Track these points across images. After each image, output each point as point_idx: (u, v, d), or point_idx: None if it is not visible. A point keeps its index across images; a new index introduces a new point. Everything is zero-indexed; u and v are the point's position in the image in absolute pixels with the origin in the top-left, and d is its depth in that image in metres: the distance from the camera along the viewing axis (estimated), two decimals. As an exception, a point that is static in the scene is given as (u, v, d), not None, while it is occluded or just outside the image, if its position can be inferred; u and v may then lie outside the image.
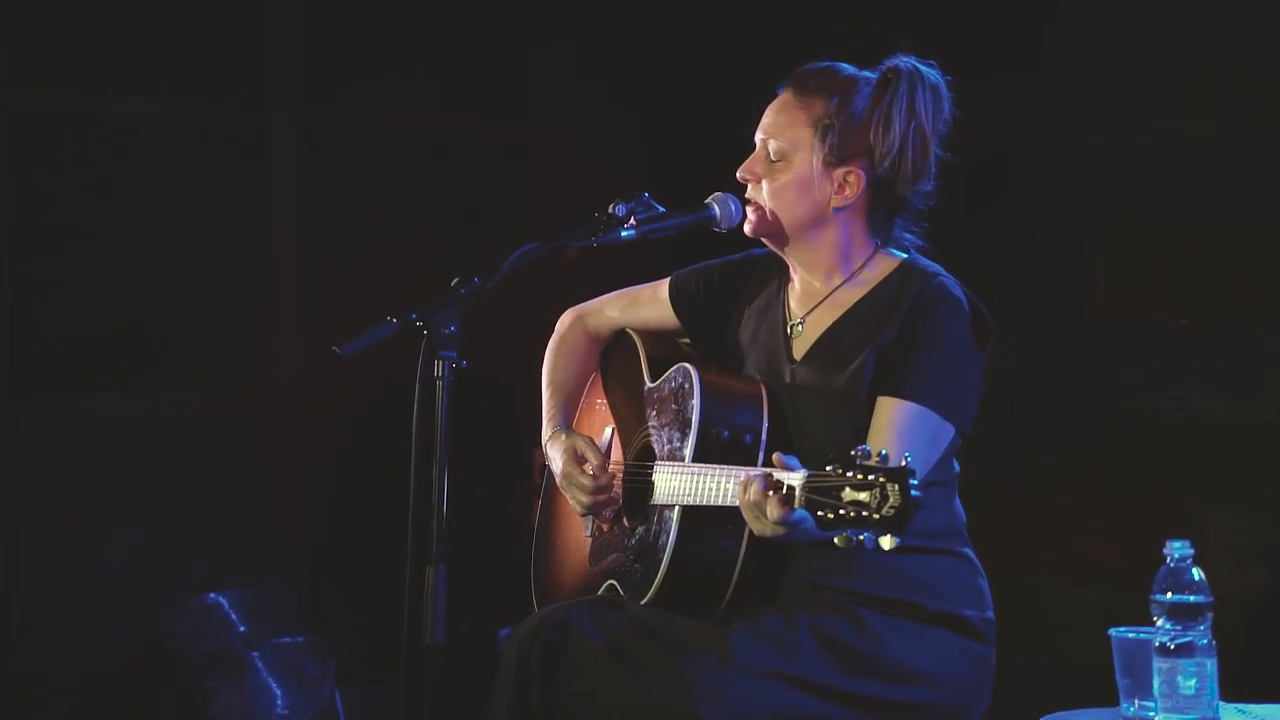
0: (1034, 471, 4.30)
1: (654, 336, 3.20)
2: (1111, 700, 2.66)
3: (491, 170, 5.26)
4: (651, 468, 2.97)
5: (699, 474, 2.79)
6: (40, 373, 4.72)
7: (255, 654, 4.43)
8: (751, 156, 2.96)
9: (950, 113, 2.91)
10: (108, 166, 4.79)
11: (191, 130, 4.93)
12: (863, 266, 2.95)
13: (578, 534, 3.17)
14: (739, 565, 2.82)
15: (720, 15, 4.92)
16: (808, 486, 2.45)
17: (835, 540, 2.39)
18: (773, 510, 2.53)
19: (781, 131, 2.92)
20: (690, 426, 2.89)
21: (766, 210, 2.93)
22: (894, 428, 2.76)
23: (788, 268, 3.02)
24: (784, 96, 2.94)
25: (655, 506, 2.93)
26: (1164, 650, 2.52)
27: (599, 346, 3.28)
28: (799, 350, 2.95)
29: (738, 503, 2.63)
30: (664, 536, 2.86)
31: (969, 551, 2.95)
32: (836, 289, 2.95)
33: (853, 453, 2.40)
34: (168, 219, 4.85)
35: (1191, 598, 2.51)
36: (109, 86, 4.77)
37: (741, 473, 2.66)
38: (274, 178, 5.04)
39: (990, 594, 2.95)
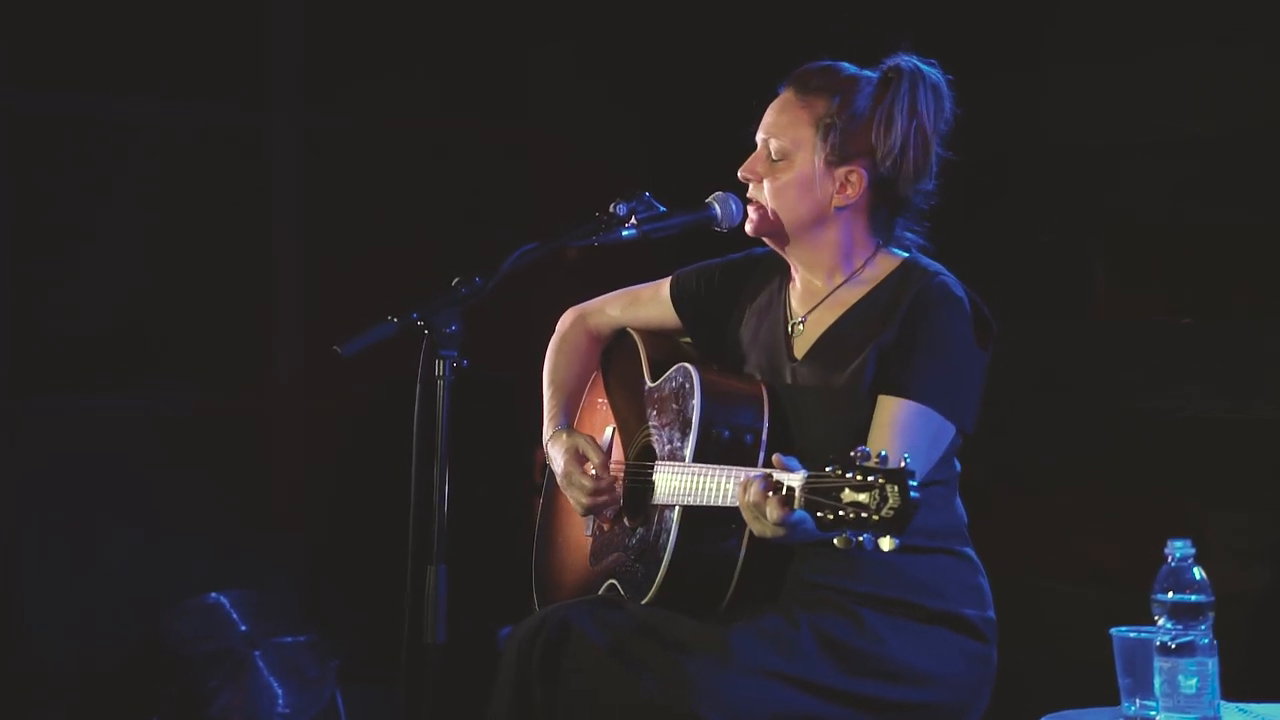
0: (1034, 471, 4.30)
1: (655, 336, 3.20)
2: (1112, 700, 2.66)
3: (491, 170, 5.26)
4: (652, 467, 2.97)
5: (699, 474, 2.79)
6: (40, 373, 4.73)
7: (257, 653, 4.43)
8: (753, 156, 2.96)
9: (951, 111, 2.91)
10: (108, 166, 4.79)
11: (191, 130, 4.93)
12: (864, 266, 2.95)
13: (579, 533, 3.17)
14: (739, 565, 2.82)
15: (720, 15, 4.92)
16: (807, 488, 2.45)
17: (835, 541, 2.39)
18: (772, 511, 2.53)
19: (783, 131, 2.91)
20: (691, 426, 2.89)
21: (768, 209, 2.93)
22: (895, 426, 2.76)
23: (789, 267, 3.02)
24: (785, 96, 2.94)
25: (656, 506, 2.93)
26: (1165, 650, 2.52)
27: (600, 346, 3.28)
28: (800, 349, 2.95)
29: (738, 503, 2.63)
30: (664, 536, 2.86)
31: (969, 551, 2.95)
32: (838, 288, 2.95)
33: (852, 454, 2.40)
34: (168, 219, 4.86)
35: (1193, 597, 2.51)
36: (109, 86, 4.78)
37: (741, 473, 2.66)
38: (274, 178, 5.04)
39: (991, 593, 2.94)
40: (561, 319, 3.30)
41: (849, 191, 2.89)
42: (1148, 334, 4.11)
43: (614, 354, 3.27)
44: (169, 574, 4.70)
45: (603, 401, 3.24)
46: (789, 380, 2.92)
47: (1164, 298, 4.11)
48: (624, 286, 3.26)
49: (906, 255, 2.96)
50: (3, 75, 4.66)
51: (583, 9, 5.13)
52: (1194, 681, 2.50)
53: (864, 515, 2.35)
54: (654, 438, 3.02)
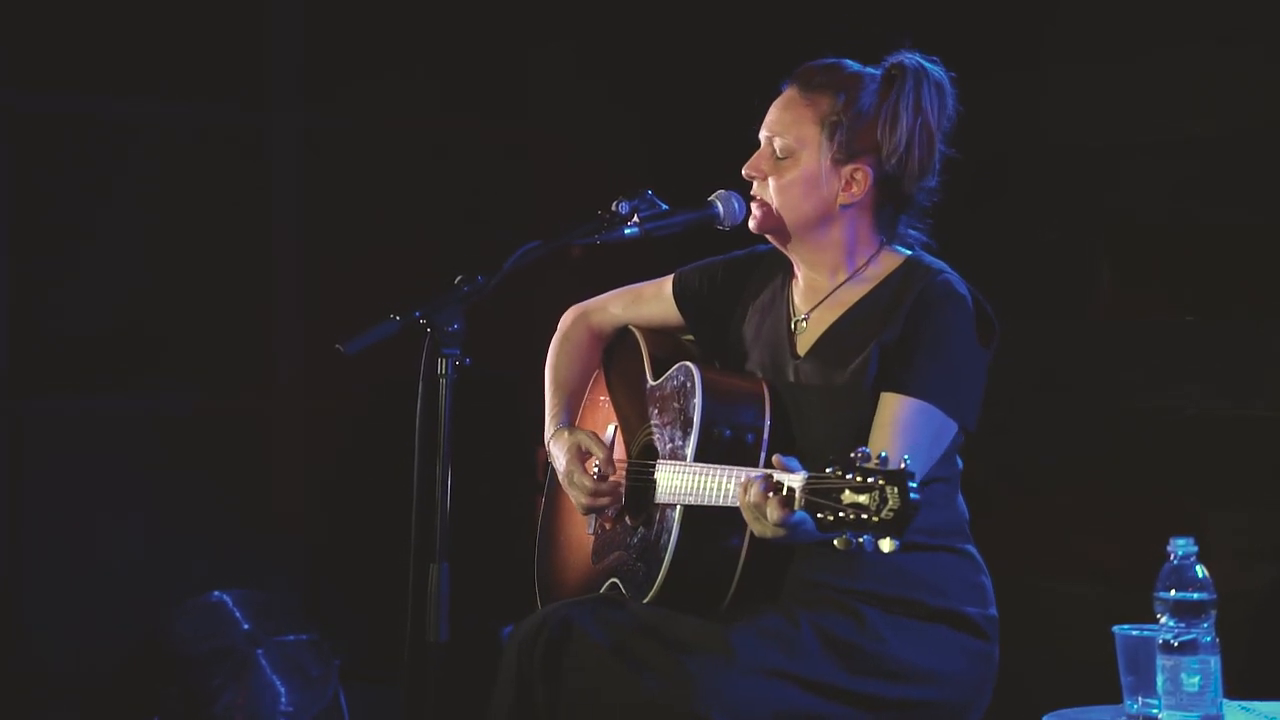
0: (1034, 471, 4.30)
1: (657, 334, 3.20)
2: (1114, 699, 2.66)
3: (491, 170, 5.26)
4: (654, 466, 2.97)
5: (700, 473, 2.79)
6: (40, 373, 4.73)
7: (259, 652, 4.42)
8: (757, 153, 2.95)
9: (954, 108, 2.91)
10: (108, 166, 4.80)
11: (191, 130, 4.93)
12: (867, 263, 2.95)
13: (580, 532, 3.17)
14: (741, 564, 2.82)
15: (720, 15, 4.92)
16: (807, 489, 2.45)
17: (835, 543, 2.39)
18: (773, 512, 2.53)
19: (788, 129, 2.91)
20: (692, 425, 2.89)
21: (772, 207, 2.92)
22: (897, 424, 2.76)
23: (791, 264, 3.02)
24: (789, 93, 2.94)
25: (657, 505, 2.93)
26: (1168, 648, 2.52)
27: (602, 344, 3.28)
28: (802, 346, 2.95)
29: (738, 503, 2.63)
30: (666, 535, 2.86)
31: (971, 548, 2.94)
32: (841, 286, 2.95)
33: (852, 455, 2.40)
34: (168, 219, 4.86)
35: (1195, 595, 2.51)
36: (109, 86, 4.78)
37: (742, 473, 2.66)
38: (274, 178, 5.04)
39: (993, 591, 2.94)
40: (563, 317, 3.30)
41: (854, 189, 2.89)
42: (1148, 334, 4.11)
43: (616, 352, 3.27)
44: (169, 574, 4.70)
45: (605, 400, 3.24)
46: (791, 378, 2.92)
47: (1164, 297, 4.11)
48: (626, 285, 3.26)
49: (910, 253, 2.96)
50: (3, 75, 4.66)
51: (583, 9, 5.13)
52: (1196, 679, 2.50)
53: (864, 517, 2.35)
54: (655, 436, 3.02)
